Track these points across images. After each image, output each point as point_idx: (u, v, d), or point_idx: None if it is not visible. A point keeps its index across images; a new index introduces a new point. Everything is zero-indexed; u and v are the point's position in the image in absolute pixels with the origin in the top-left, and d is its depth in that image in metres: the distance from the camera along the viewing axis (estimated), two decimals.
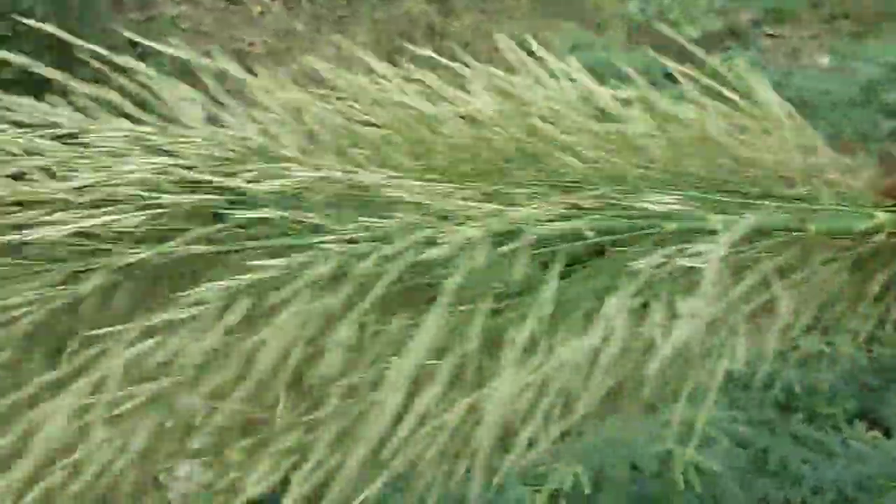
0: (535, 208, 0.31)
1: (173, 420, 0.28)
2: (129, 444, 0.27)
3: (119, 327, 0.29)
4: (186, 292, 0.28)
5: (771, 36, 2.73)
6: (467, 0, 3.01)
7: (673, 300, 0.31)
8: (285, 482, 0.31)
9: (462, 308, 0.31)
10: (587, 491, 1.03)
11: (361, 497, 0.29)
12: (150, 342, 0.28)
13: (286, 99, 0.32)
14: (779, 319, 0.33)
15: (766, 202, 0.36)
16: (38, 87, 0.35)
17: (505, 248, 0.30)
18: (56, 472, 0.27)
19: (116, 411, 0.27)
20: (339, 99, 0.32)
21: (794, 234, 0.34)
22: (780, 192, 0.36)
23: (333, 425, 0.30)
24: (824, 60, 2.54)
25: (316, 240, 0.29)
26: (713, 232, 0.34)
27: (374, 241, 0.30)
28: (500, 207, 0.30)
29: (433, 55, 0.35)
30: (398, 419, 0.30)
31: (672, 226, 0.34)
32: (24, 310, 0.28)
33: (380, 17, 2.85)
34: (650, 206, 0.32)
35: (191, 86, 0.35)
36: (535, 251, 0.31)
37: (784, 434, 1.29)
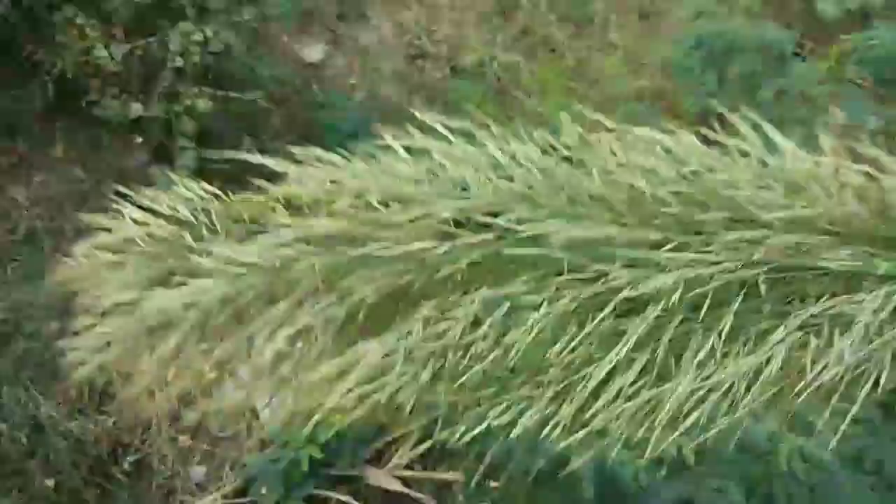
0: (724, 260, 0.40)
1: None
2: (419, 377, 0.40)
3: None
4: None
5: None
6: None
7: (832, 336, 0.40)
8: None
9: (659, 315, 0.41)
10: (691, 462, 1.10)
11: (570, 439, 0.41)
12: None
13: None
14: None
15: None
16: None
17: (697, 291, 0.40)
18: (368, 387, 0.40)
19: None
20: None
21: None
22: None
23: (553, 386, 0.41)
24: None
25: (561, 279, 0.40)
26: (879, 277, 0.42)
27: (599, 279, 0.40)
28: (696, 258, 0.40)
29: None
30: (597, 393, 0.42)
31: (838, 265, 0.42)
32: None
33: None
34: (826, 264, 0.40)
35: None
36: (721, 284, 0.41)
37: (884, 436, 1.29)
